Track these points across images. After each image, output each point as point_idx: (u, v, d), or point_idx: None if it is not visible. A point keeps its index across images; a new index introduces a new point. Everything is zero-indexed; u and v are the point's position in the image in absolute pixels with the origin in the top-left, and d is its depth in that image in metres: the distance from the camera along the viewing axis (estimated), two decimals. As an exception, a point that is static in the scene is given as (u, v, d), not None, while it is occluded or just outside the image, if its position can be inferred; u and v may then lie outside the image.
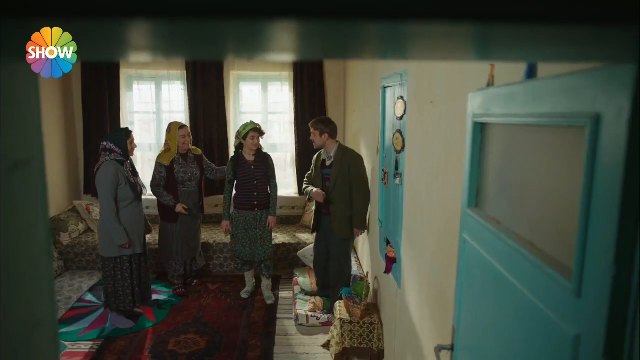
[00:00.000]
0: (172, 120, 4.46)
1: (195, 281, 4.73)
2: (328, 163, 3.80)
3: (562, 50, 0.46)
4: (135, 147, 3.81)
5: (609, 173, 0.69)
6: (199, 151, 4.56)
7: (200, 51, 0.47)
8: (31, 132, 0.53)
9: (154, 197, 5.42)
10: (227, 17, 0.31)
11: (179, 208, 4.26)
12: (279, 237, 5.12)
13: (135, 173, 3.76)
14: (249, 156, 4.15)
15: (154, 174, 4.31)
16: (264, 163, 4.19)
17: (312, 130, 3.82)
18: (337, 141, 3.82)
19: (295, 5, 0.31)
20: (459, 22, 0.33)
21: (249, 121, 4.16)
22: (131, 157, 3.77)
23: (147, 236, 5.01)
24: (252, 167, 4.13)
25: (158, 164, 4.27)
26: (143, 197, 3.85)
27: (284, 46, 0.44)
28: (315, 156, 4.06)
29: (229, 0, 0.30)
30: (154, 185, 4.29)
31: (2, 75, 0.50)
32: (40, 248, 0.54)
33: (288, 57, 0.53)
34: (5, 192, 0.50)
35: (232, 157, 4.24)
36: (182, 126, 4.30)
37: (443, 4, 0.31)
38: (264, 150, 4.34)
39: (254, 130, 4.06)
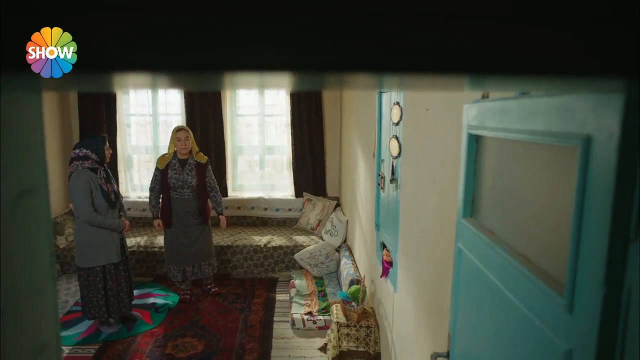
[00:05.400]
0: (168, 123, 4.41)
1: (214, 289, 4.53)
2: None
3: (552, 86, 0.48)
4: (111, 152, 3.67)
5: (599, 194, 0.71)
6: (204, 159, 4.23)
7: (199, 87, 0.48)
8: (36, 161, 0.55)
9: (144, 200, 5.40)
10: (230, 71, 0.33)
11: (155, 223, 4.27)
12: (276, 240, 5.13)
13: (109, 180, 3.61)
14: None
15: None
16: None
17: None
18: None
19: (295, 63, 0.32)
20: (453, 75, 0.34)
21: None
22: (106, 163, 3.61)
23: (142, 239, 5.04)
24: None
25: (155, 167, 4.26)
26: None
27: (281, 85, 0.45)
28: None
29: (233, 58, 0.31)
30: (150, 188, 4.27)
31: (6, 106, 0.51)
32: (45, 274, 0.55)
33: (285, 90, 0.55)
34: (10, 220, 0.51)
35: None
36: (179, 129, 4.13)
37: (438, 59, 0.32)
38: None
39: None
